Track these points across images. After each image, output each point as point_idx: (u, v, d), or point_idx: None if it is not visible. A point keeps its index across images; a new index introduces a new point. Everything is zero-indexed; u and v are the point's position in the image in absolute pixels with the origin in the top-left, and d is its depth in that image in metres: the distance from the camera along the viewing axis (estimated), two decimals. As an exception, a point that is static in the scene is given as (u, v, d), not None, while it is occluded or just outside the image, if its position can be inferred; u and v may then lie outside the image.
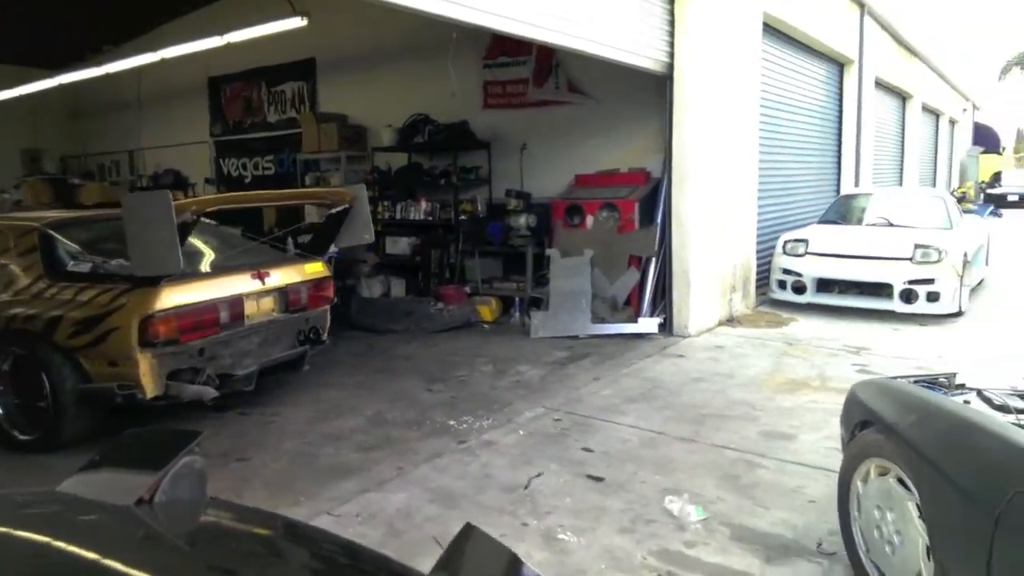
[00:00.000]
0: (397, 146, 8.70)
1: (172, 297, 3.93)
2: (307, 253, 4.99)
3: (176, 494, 1.59)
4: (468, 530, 1.48)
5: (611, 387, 5.16)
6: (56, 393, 3.98)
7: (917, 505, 2.26)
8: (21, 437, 4.14)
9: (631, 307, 6.83)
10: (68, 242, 4.34)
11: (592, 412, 4.63)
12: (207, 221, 4.54)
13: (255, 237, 5.00)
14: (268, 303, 4.51)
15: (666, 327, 6.68)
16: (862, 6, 11.43)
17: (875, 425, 2.59)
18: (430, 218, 8.42)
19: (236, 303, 4.25)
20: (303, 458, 4.02)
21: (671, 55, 6.50)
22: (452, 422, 4.50)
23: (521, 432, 4.31)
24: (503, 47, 8.08)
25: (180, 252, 3.69)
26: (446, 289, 7.60)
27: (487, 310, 7.41)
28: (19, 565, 1.14)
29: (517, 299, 7.48)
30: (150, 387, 3.89)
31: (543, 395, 5.02)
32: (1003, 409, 2.17)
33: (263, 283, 4.43)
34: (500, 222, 7.72)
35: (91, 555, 1.38)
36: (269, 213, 9.65)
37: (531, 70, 8.02)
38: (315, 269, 4.86)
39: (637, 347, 6.27)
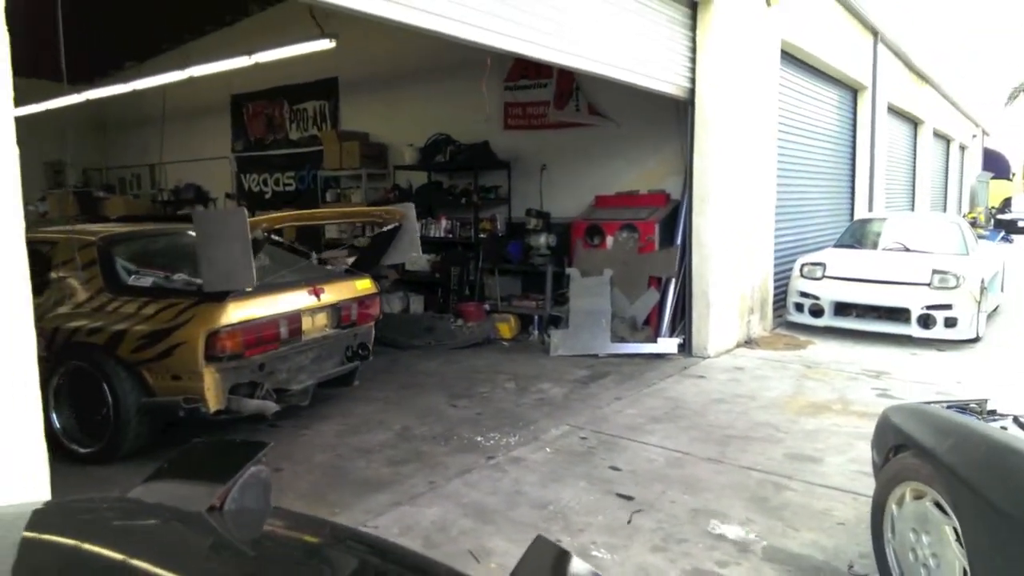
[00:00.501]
0: (418, 165, 8.84)
1: (237, 312, 3.99)
2: (355, 270, 5.08)
3: (244, 502, 1.66)
4: (539, 542, 1.54)
5: (634, 407, 5.21)
6: (118, 406, 4.02)
7: (954, 529, 2.31)
8: (81, 451, 4.16)
9: (650, 327, 6.90)
10: (126, 257, 4.43)
11: (617, 431, 4.69)
12: (275, 238, 4.66)
13: (305, 253, 5.10)
14: (322, 319, 4.59)
15: (685, 348, 6.74)
16: (876, 33, 11.56)
17: (911, 449, 2.65)
18: (450, 236, 8.53)
19: (295, 319, 4.33)
20: (335, 471, 4.08)
21: (692, 80, 6.62)
22: (479, 438, 4.56)
23: (548, 450, 4.36)
24: (524, 70, 8.23)
25: (254, 268, 3.78)
26: (466, 306, 7.68)
27: (506, 327, 7.48)
28: (98, 567, 1.21)
29: (536, 317, 7.55)
30: (213, 401, 3.96)
31: (567, 413, 5.08)
32: (1041, 435, 2.23)
33: (319, 299, 4.51)
34: (520, 241, 7.82)
35: (168, 559, 1.46)
36: (289, 230, 9.77)
37: (552, 92, 8.15)
38: (364, 286, 4.94)
39: (657, 367, 6.33)
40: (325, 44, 7.29)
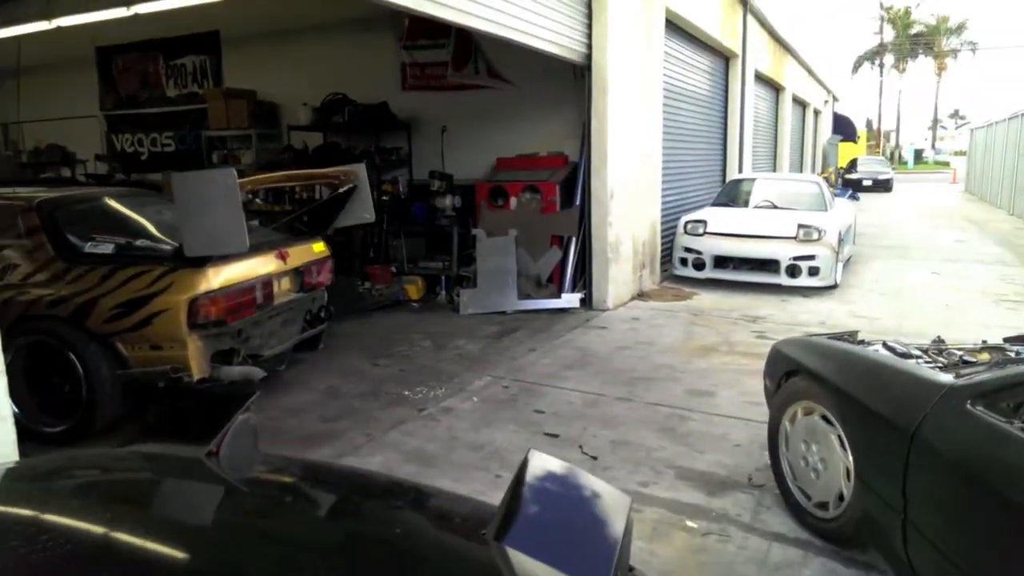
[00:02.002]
0: (314, 125, 8.67)
1: (217, 278, 3.88)
2: (307, 232, 4.98)
3: (236, 447, 1.82)
4: (531, 453, 1.77)
5: (547, 357, 5.57)
6: (91, 380, 3.83)
7: (839, 436, 2.80)
8: (49, 431, 3.93)
9: (554, 283, 7.28)
10: (72, 222, 4.15)
11: (535, 379, 5.03)
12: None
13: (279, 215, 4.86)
14: (287, 283, 4.48)
15: (587, 302, 7.19)
16: (745, 3, 12.38)
17: (800, 374, 3.13)
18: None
19: (267, 283, 4.23)
20: (268, 431, 4.13)
21: (589, 46, 6.94)
22: (407, 392, 4.76)
23: (475, 399, 4.64)
24: (421, 29, 8.23)
25: (247, 231, 3.66)
26: (373, 269, 7.73)
27: (414, 289, 7.62)
28: (123, 508, 1.35)
29: (443, 278, 7.74)
30: (197, 370, 3.84)
31: (486, 366, 5.36)
32: (906, 355, 2.74)
33: (285, 263, 4.41)
34: (424, 203, 7.93)
35: (182, 498, 1.63)
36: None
37: (450, 53, 8.23)
38: (319, 249, 4.85)
39: (562, 320, 6.73)
40: (214, -4, 6.95)
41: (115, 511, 1.33)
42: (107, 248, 4.05)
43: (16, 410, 3.86)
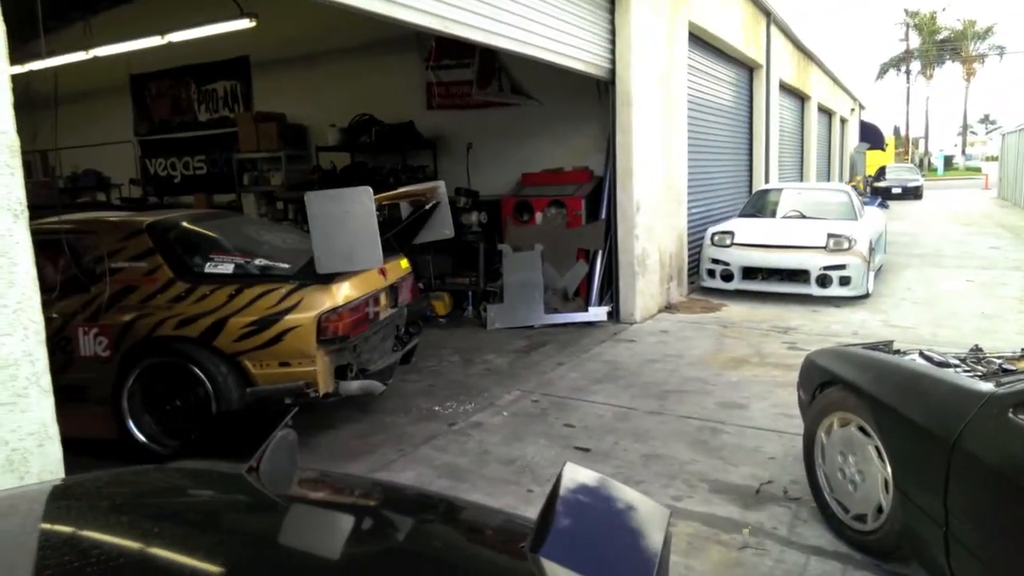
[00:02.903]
0: (342, 145, 8.81)
1: (341, 293, 3.95)
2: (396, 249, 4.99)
3: (275, 462, 1.85)
4: (567, 466, 1.78)
5: (576, 371, 5.57)
6: (220, 400, 3.81)
7: (876, 448, 2.75)
8: (163, 451, 3.94)
9: (580, 297, 7.28)
10: (188, 243, 4.20)
11: (565, 393, 5.02)
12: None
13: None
14: (384, 299, 4.53)
15: (614, 315, 7.17)
16: (768, 14, 12.35)
17: (836, 385, 3.09)
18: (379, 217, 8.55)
19: (376, 299, 4.29)
20: (301, 446, 4.18)
21: (612, 61, 6.97)
22: (437, 407, 4.78)
23: (505, 413, 4.64)
24: (446, 50, 8.35)
25: (380, 247, 3.74)
26: (400, 285, 7.79)
27: (441, 305, 7.67)
28: (166, 523, 1.38)
29: (469, 293, 7.78)
30: (323, 384, 3.90)
31: (515, 380, 5.37)
32: (944, 364, 2.69)
33: (385, 279, 4.47)
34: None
35: (223, 513, 1.65)
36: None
37: (475, 72, 8.32)
38: (405, 265, 4.91)
39: (590, 334, 6.72)
40: (245, 23, 7.15)
41: (159, 526, 1.37)
42: (227, 268, 4.06)
43: (137, 431, 3.96)
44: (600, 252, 7.28)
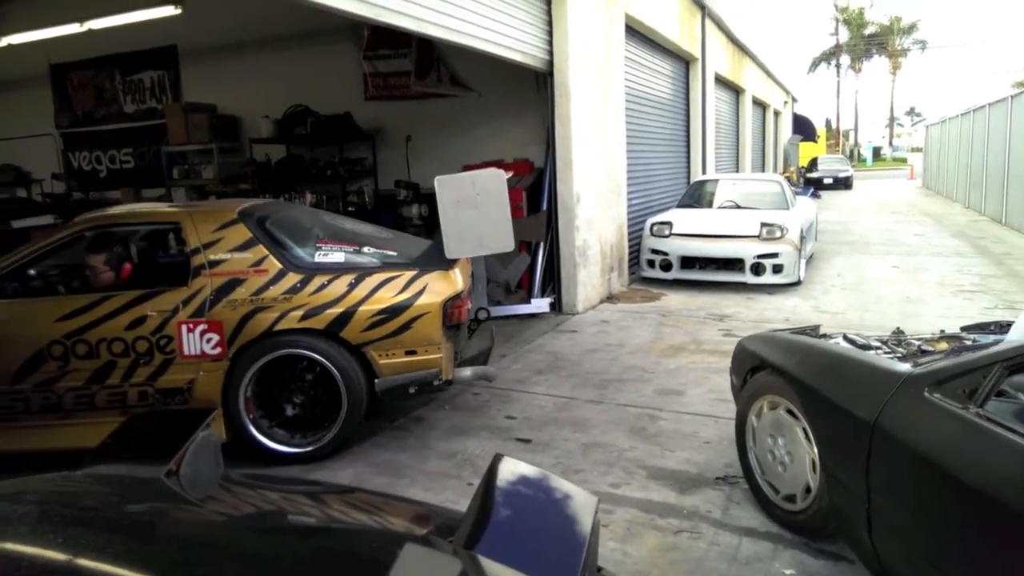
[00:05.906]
0: (277, 138, 8.60)
1: (460, 279, 3.89)
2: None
3: (197, 465, 1.79)
4: (498, 459, 1.77)
5: (518, 362, 5.58)
6: (350, 393, 3.71)
7: (803, 429, 2.84)
8: (292, 452, 3.80)
9: (523, 289, 7.29)
10: (286, 231, 3.97)
11: (507, 384, 5.02)
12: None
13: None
14: None
15: (556, 306, 7.22)
16: (703, 8, 12.58)
17: (765, 369, 3.17)
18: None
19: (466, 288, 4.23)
20: (239, 451, 4.08)
21: (550, 52, 6.98)
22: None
23: (447, 407, 4.61)
24: (382, 39, 8.22)
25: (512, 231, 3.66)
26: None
27: (382, 299, 7.57)
28: (78, 532, 1.32)
29: (411, 287, 7.69)
30: (446, 371, 3.83)
31: (456, 373, 5.34)
32: (866, 347, 2.79)
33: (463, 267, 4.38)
34: (391, 213, 7.90)
35: (138, 520, 1.59)
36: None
37: (413, 63, 8.22)
38: None
39: (533, 325, 6.74)
40: (170, 11, 6.90)
41: (70, 535, 1.30)
42: (338, 256, 3.87)
43: (254, 429, 3.76)
44: (542, 244, 7.31)
